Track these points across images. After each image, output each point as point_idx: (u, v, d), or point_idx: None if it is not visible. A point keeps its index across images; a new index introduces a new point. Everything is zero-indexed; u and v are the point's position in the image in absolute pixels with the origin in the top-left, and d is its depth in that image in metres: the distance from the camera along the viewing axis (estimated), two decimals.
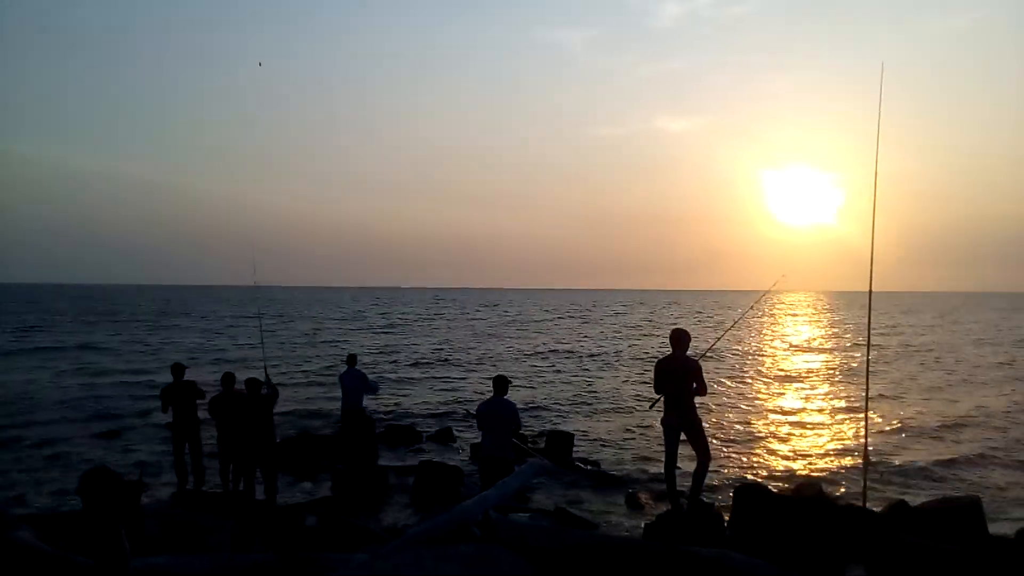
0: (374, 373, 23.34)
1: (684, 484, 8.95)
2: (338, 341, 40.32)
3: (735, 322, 12.84)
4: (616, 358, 33.21)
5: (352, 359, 12.87)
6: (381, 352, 34.29)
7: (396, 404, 19.52)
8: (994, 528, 8.16)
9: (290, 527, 6.31)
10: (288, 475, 11.81)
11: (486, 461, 9.11)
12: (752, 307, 13.07)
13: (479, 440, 9.76)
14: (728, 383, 23.87)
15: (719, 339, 11.96)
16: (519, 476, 7.02)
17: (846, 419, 18.12)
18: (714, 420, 17.20)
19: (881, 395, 21.16)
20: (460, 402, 19.71)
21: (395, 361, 30.49)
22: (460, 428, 15.66)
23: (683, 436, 8.69)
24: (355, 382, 12.65)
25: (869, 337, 9.15)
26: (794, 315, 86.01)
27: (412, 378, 25.27)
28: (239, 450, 9.93)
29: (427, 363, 29.86)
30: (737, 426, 17.20)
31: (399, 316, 71.39)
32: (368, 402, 14.44)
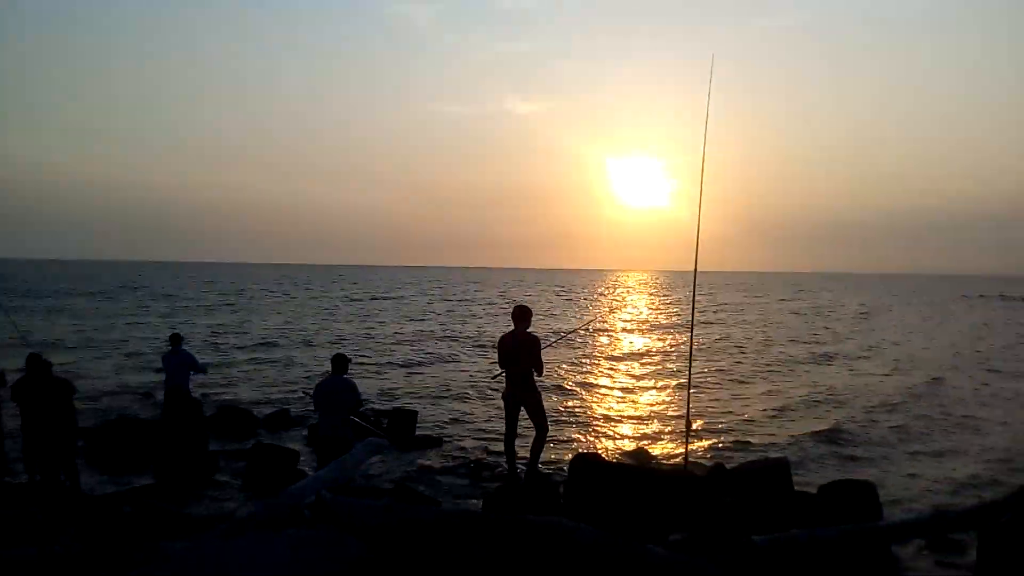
0: (206, 355, 22.17)
1: (524, 457, 9.19)
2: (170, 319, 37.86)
3: (572, 331, 13.13)
4: (467, 339, 33.38)
5: (176, 339, 12.13)
6: (215, 333, 32.52)
7: (229, 386, 18.61)
8: (801, 485, 8.95)
9: (103, 517, 5.83)
10: (105, 462, 10.96)
11: (323, 441, 8.91)
12: (587, 324, 13.53)
13: (317, 421, 9.50)
14: (568, 363, 24.67)
15: (561, 339, 12.19)
16: (355, 455, 6.87)
17: (673, 393, 19.23)
18: (553, 396, 17.71)
19: (706, 367, 22.70)
20: (298, 383, 19.09)
21: (228, 343, 29.01)
22: (298, 410, 15.16)
23: (523, 411, 8.92)
24: (179, 363, 11.96)
25: (693, 314, 9.73)
26: (631, 295, 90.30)
27: (253, 359, 24.18)
28: (46, 436, 9.15)
29: (267, 344, 28.65)
30: (575, 401, 17.84)
31: (244, 294, 67.96)
32: (197, 385, 13.65)
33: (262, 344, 28.35)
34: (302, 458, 10.93)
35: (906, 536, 7.14)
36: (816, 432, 14.24)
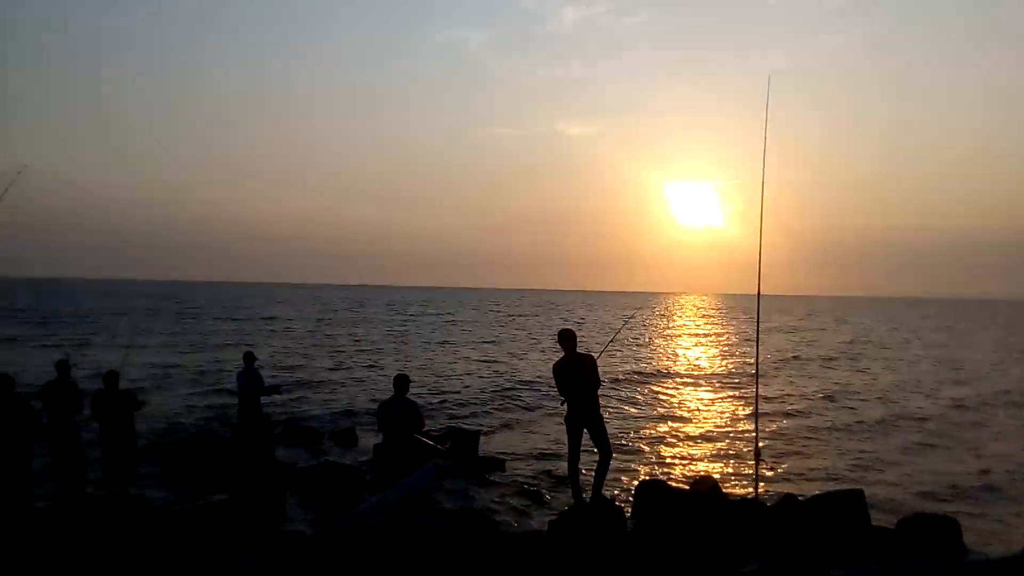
0: (277, 375, 22.63)
1: (587, 481, 9.09)
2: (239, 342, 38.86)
3: (607, 341, 12.73)
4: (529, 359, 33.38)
5: (249, 357, 12.44)
6: (303, 354, 32.66)
7: (296, 404, 18.95)
8: (877, 519, 8.62)
9: (182, 531, 6.00)
10: (180, 479, 11.26)
11: (386, 461, 8.96)
12: (618, 331, 13.32)
13: (380, 441, 9.59)
14: (631, 385, 24.39)
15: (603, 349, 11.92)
16: (420, 476, 6.92)
17: (740, 418, 18.82)
18: (616, 419, 17.52)
19: (773, 396, 22.16)
20: (363, 402, 19.33)
21: (303, 363, 29.47)
22: (362, 428, 15.35)
23: (586, 433, 8.86)
24: (251, 382, 12.25)
25: (758, 338, 9.52)
26: (688, 318, 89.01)
27: (319, 380, 24.58)
28: (122, 450, 9.58)
29: (338, 365, 29.04)
30: (638, 424, 17.60)
31: (330, 314, 69.30)
32: (267, 403, 13.96)
33: (336, 364, 28.80)
34: (368, 477, 11.03)
35: None
36: (893, 462, 13.73)
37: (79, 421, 9.82)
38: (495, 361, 31.58)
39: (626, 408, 19.90)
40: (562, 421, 8.99)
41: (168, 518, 7.43)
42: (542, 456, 13.72)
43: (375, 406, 11.20)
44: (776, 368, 30.08)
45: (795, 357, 35.22)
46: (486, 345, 39.71)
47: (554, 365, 8.90)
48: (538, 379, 24.12)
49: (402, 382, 9.11)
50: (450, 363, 30.49)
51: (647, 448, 15.00)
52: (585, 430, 8.79)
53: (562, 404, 8.81)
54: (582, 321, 64.05)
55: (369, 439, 14.05)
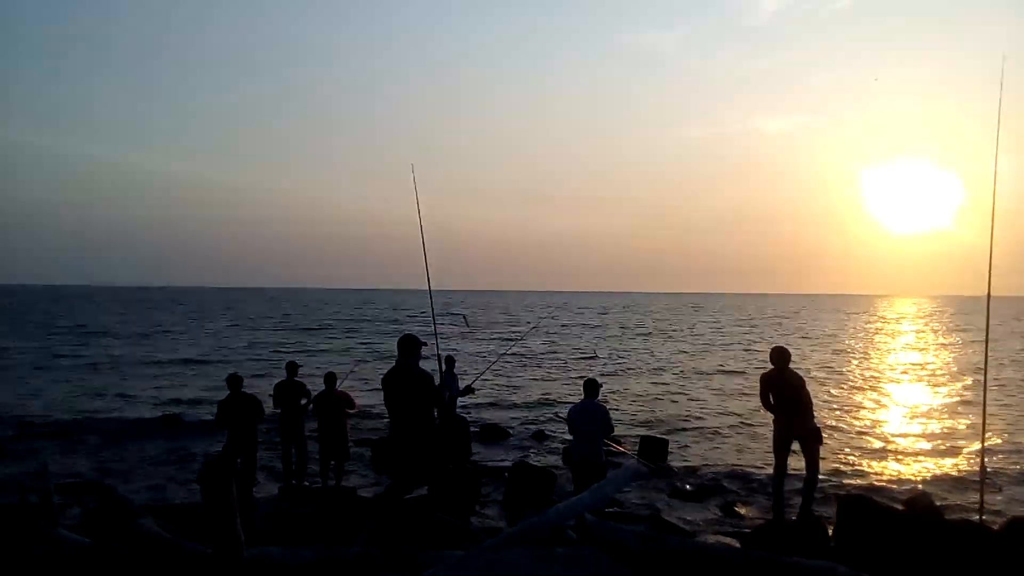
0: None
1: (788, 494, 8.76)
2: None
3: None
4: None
5: (448, 360, 13.12)
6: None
7: (489, 403, 19.70)
8: None
9: (392, 523, 6.49)
10: (383, 475, 12.12)
11: (578, 464, 9.12)
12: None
13: (570, 442, 9.77)
14: (840, 390, 22.99)
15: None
16: (614, 480, 6.98)
17: (961, 427, 17.16)
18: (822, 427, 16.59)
19: (1000, 402, 19.97)
20: (552, 403, 19.74)
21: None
22: (552, 429, 15.69)
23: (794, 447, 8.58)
24: (449, 385, 12.91)
25: (987, 341, 8.65)
26: (906, 321, 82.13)
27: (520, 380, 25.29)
28: (335, 446, 10.50)
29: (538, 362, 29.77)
30: (847, 434, 16.55)
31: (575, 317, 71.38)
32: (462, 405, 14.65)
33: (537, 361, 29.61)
34: (559, 479, 11.27)
35: None
36: None
37: (304, 417, 10.91)
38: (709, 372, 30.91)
39: (831, 417, 18.78)
40: (764, 432, 8.81)
41: (370, 509, 8.04)
42: (735, 467, 13.31)
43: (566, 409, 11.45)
44: (1005, 378, 27.03)
45: None
46: (681, 352, 38.96)
47: (764, 376, 8.71)
48: (737, 391, 23.38)
49: (592, 386, 9.26)
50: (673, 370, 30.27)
51: (856, 462, 14.07)
52: (796, 442, 8.54)
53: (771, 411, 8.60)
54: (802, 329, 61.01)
55: (560, 441, 14.35)
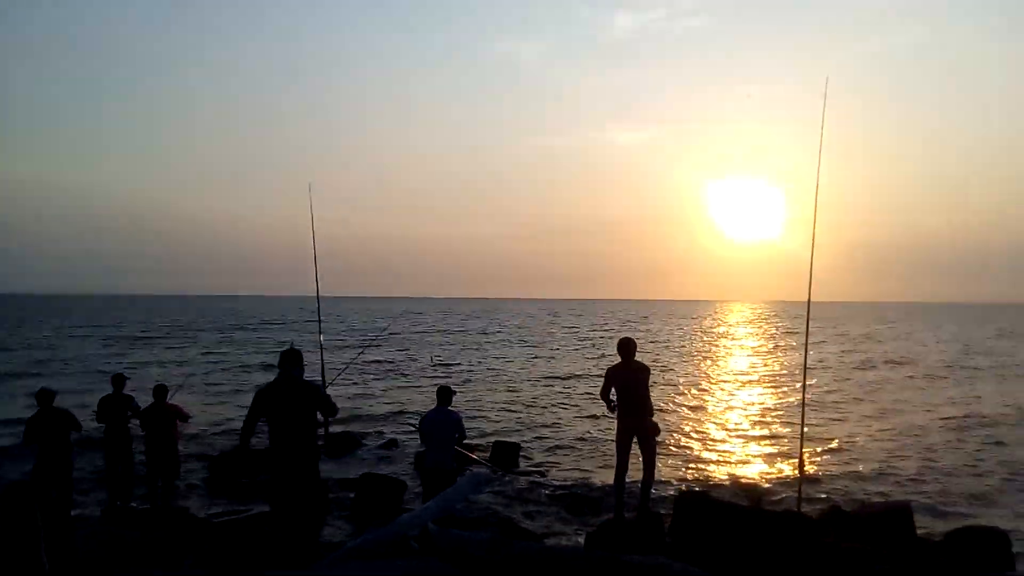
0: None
1: (629, 491, 9.06)
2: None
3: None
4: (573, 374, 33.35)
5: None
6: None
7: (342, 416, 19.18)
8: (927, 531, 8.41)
9: (223, 543, 6.14)
10: (223, 490, 11.52)
11: (429, 472, 9.04)
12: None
13: (422, 451, 9.68)
14: (675, 393, 24.17)
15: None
16: (461, 487, 6.97)
17: (786, 425, 18.50)
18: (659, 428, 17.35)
19: (818, 401, 21.74)
20: (404, 413, 19.50)
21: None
22: (404, 438, 15.50)
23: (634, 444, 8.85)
24: None
25: (807, 347, 9.37)
26: (737, 326, 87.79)
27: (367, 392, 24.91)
28: (164, 463, 9.90)
29: (378, 373, 29.42)
30: (682, 434, 17.43)
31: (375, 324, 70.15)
32: None
33: (377, 372, 29.15)
34: (409, 488, 11.14)
35: None
36: (943, 469, 13.37)
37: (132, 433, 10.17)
38: (545, 375, 31.55)
39: (671, 416, 19.72)
40: (611, 430, 9.04)
41: (209, 530, 7.60)
42: (584, 469, 13.68)
43: (418, 417, 11.33)
44: (819, 375, 29.50)
45: (858, 364, 34.51)
46: (537, 357, 39.71)
47: (609, 370, 8.92)
48: (587, 394, 24.07)
49: (445, 393, 9.20)
50: (500, 373, 30.58)
51: (691, 458, 14.85)
52: (635, 441, 8.81)
53: (612, 410, 8.82)
54: (648, 331, 63.66)
55: (411, 449, 14.19)
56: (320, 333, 9.60)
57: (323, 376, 9.45)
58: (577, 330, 67.43)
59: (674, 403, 22.34)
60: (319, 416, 6.72)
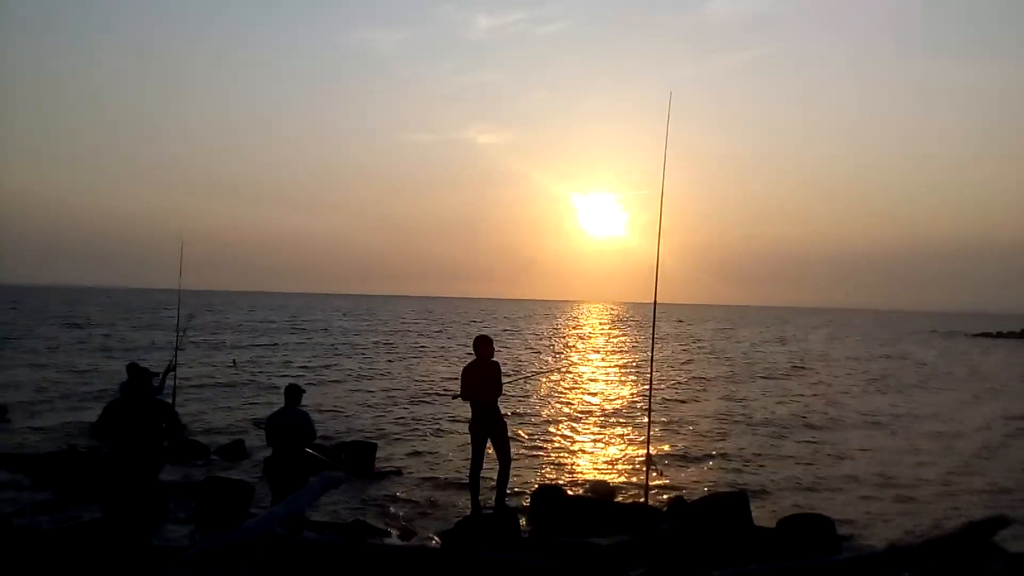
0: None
1: (485, 488, 9.11)
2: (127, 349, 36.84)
3: (537, 374, 13.10)
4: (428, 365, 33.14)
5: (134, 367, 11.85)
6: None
7: (185, 415, 18.11)
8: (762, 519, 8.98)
9: (49, 553, 5.60)
10: (50, 495, 10.57)
11: (276, 474, 8.72)
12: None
13: (271, 454, 9.30)
14: (530, 393, 24.59)
15: (529, 376, 12.18)
16: (310, 489, 6.74)
17: (635, 420, 19.27)
18: (516, 427, 17.60)
19: (665, 399, 22.85)
20: (253, 414, 18.67)
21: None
22: (252, 442, 14.82)
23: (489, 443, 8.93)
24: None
25: (653, 346, 9.81)
26: (593, 325, 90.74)
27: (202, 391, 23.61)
28: None
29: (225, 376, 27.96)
30: (538, 432, 17.74)
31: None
32: None
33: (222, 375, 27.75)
34: (256, 492, 10.66)
35: (860, 573, 7.19)
36: (781, 459, 14.38)
37: None
38: (400, 372, 31.21)
39: (524, 413, 20.05)
40: (466, 428, 9.06)
41: (35, 540, 6.94)
42: (443, 465, 13.64)
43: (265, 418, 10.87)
44: (670, 370, 31.03)
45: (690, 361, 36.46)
46: (391, 354, 39.25)
47: (464, 367, 9.04)
48: (445, 391, 24.01)
49: (294, 392, 8.89)
50: (351, 372, 29.95)
51: (546, 454, 15.15)
52: (488, 438, 8.88)
53: (454, 399, 8.94)
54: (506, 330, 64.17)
55: (259, 452, 13.60)
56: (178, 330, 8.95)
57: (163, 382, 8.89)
58: (437, 330, 67.31)
59: (530, 401, 22.73)
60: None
